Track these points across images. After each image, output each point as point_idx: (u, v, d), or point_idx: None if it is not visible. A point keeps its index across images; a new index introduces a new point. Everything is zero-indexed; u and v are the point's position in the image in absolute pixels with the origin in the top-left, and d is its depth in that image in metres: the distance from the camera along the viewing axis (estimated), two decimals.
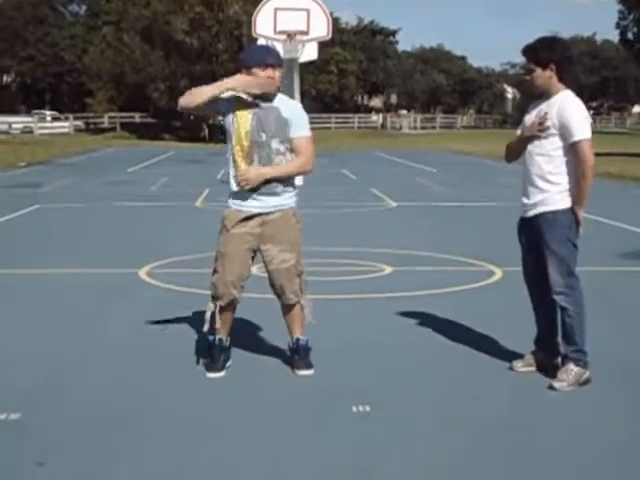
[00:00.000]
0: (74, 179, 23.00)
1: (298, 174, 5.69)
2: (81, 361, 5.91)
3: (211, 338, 5.65)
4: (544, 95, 5.44)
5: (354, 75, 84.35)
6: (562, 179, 5.34)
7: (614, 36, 46.94)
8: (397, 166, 31.03)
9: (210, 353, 5.66)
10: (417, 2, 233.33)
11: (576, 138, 5.24)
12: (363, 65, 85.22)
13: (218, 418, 4.84)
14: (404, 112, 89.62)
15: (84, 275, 9.11)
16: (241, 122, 5.37)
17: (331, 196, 18.39)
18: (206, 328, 5.61)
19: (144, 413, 4.89)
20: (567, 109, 5.28)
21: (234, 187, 5.45)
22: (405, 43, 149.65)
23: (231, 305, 5.59)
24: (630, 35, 41.09)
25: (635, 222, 13.62)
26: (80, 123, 63.38)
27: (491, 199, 17.93)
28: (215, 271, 5.53)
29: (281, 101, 5.46)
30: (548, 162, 5.36)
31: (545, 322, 5.66)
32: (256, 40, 24.86)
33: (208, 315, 5.59)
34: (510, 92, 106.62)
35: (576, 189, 5.32)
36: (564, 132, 5.27)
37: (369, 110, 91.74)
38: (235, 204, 5.47)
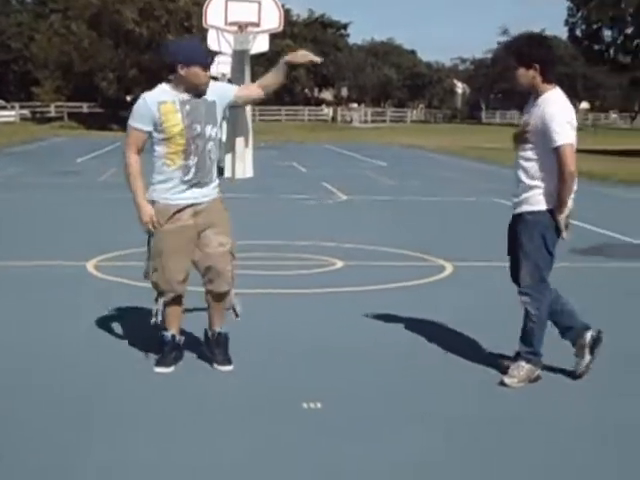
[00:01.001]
0: (21, 168, 22.61)
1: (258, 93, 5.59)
2: (26, 355, 5.78)
3: (163, 334, 5.58)
4: (532, 94, 5.33)
5: (305, 68, 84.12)
6: (544, 181, 5.23)
7: (563, 33, 47.47)
8: (347, 159, 31.04)
9: (161, 348, 5.58)
10: None
11: (557, 143, 5.11)
12: None
13: (168, 413, 4.76)
14: (355, 105, 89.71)
15: (29, 267, 8.92)
16: (171, 122, 5.28)
17: (281, 189, 18.31)
18: (153, 322, 5.55)
19: (93, 408, 4.79)
20: (548, 113, 5.15)
21: (156, 195, 5.38)
22: (356, 37, 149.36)
23: (176, 300, 5.53)
24: (578, 32, 41.51)
25: (589, 219, 13.73)
26: (26, 112, 62.43)
27: (441, 193, 18.00)
28: (155, 269, 5.46)
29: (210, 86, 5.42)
30: (532, 164, 5.26)
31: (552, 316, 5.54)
32: (206, 31, 24.74)
33: (154, 311, 5.55)
34: (460, 87, 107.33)
35: (556, 193, 5.22)
36: (545, 136, 5.15)
37: (320, 103, 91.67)
38: (163, 198, 5.37)
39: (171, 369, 5.50)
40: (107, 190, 17.19)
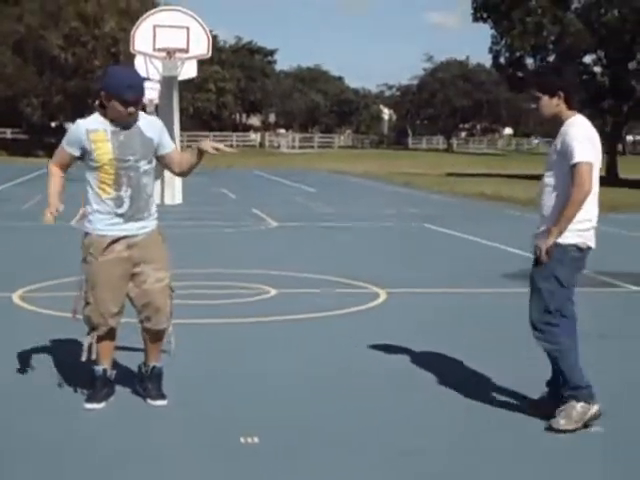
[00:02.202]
0: None
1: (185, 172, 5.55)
2: None
3: (94, 369, 5.41)
4: (557, 122, 5.18)
5: (232, 94, 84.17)
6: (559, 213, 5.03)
7: (487, 60, 48.38)
8: (277, 185, 31.02)
9: (92, 384, 5.42)
10: (295, 23, 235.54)
11: (575, 160, 4.94)
12: (241, 84, 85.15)
13: (101, 453, 4.61)
14: (282, 131, 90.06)
15: None
16: (101, 151, 5.17)
17: (212, 216, 18.18)
18: (84, 358, 5.38)
19: (20, 444, 4.61)
20: (569, 133, 5.03)
21: (92, 226, 5.29)
22: (283, 63, 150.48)
23: (109, 334, 5.39)
24: (502, 59, 42.33)
25: (512, 243, 13.90)
26: None
27: (370, 219, 18.08)
28: (87, 303, 5.30)
29: (142, 119, 5.29)
30: (556, 195, 5.05)
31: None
32: (134, 57, 24.52)
33: (86, 345, 5.38)
34: (386, 113, 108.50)
35: (562, 211, 4.97)
36: (566, 157, 5.00)
37: (247, 129, 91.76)
38: (97, 230, 5.25)
39: (102, 405, 5.33)
40: (33, 219, 16.85)
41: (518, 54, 41.58)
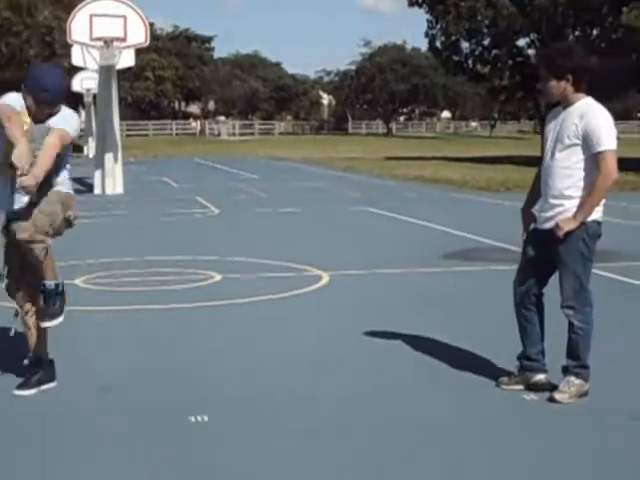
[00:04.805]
0: None
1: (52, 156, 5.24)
2: None
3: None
4: (562, 103, 5.22)
5: (171, 81, 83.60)
6: (580, 192, 5.09)
7: (423, 44, 48.92)
8: (218, 173, 31.04)
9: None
10: (232, 10, 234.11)
11: (601, 148, 5.00)
12: (179, 71, 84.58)
13: (52, 437, 4.75)
14: (222, 118, 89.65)
15: None
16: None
17: (154, 205, 18.20)
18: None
19: None
20: (592, 118, 5.05)
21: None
22: (221, 50, 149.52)
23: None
24: (438, 44, 42.69)
25: (450, 224, 14.23)
26: None
27: (311, 204, 18.26)
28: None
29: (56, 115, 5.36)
30: (568, 176, 5.12)
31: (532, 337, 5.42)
32: (70, 45, 24.33)
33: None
34: (326, 99, 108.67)
35: (586, 198, 5.06)
36: (588, 142, 5.04)
37: (187, 117, 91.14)
38: None
39: (33, 391, 5.42)
40: None
41: (454, 38, 41.99)
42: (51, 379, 5.53)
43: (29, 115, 5.28)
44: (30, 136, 5.19)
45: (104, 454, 4.49)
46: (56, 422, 4.96)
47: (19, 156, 4.96)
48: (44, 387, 5.47)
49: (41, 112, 5.27)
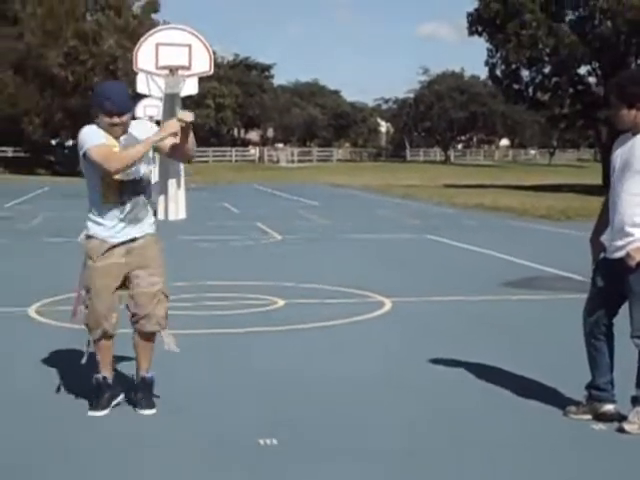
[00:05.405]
0: None
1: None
2: None
3: (95, 377, 5.59)
4: (631, 130, 5.23)
5: (231, 109, 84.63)
6: None
7: (483, 72, 48.87)
8: (278, 199, 31.27)
9: (95, 392, 5.59)
10: (292, 38, 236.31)
11: None
12: (239, 99, 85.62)
13: (117, 463, 4.85)
14: (281, 146, 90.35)
15: None
16: None
17: (216, 230, 18.41)
18: (84, 361, 5.61)
19: (26, 459, 4.86)
20: None
21: (100, 221, 5.46)
22: (280, 78, 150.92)
23: (106, 338, 5.54)
24: (498, 72, 42.68)
25: (511, 252, 14.17)
26: None
27: (373, 231, 18.32)
28: (86, 306, 5.53)
29: (132, 126, 5.53)
30: (638, 204, 5.11)
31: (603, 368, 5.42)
32: (132, 73, 24.83)
33: (85, 349, 5.62)
34: (384, 126, 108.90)
35: None
36: None
37: (246, 144, 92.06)
38: (98, 236, 5.48)
39: (106, 412, 5.50)
40: (41, 234, 17.11)
41: (514, 66, 41.94)
42: (119, 394, 5.65)
43: (107, 132, 5.42)
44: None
45: (171, 476, 4.58)
46: (125, 441, 5.07)
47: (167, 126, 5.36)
48: (114, 402, 5.59)
49: (109, 124, 5.37)
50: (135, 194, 5.47)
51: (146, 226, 5.56)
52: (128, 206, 5.45)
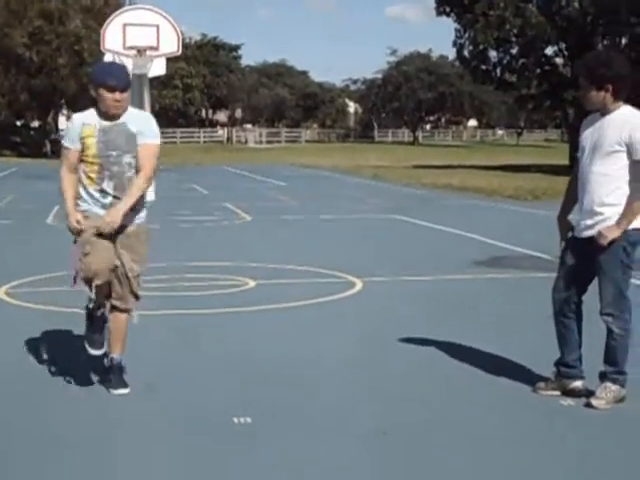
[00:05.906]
0: None
1: (147, 187, 5.64)
2: None
3: (88, 305, 5.62)
4: (600, 111, 5.26)
5: (199, 89, 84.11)
6: (620, 200, 5.12)
7: (451, 53, 49.00)
8: (247, 180, 31.22)
9: (88, 324, 5.65)
10: (260, 18, 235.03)
11: None
12: (207, 79, 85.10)
13: (96, 437, 4.87)
14: (249, 126, 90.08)
15: None
16: (88, 145, 5.45)
17: (185, 211, 18.37)
18: (90, 306, 5.60)
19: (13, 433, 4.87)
20: (637, 126, 5.09)
21: (83, 207, 5.51)
22: (248, 58, 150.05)
23: (102, 289, 5.57)
24: (466, 53, 42.74)
25: (480, 232, 14.28)
26: None
27: (342, 211, 18.37)
28: (81, 258, 5.47)
29: (130, 115, 5.56)
30: (608, 182, 5.15)
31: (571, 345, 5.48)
32: (99, 54, 24.57)
33: (88, 300, 5.60)
34: (352, 107, 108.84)
35: (629, 205, 5.10)
36: (631, 150, 5.09)
37: (214, 124, 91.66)
38: (86, 212, 5.51)
39: (102, 351, 5.69)
40: (6, 217, 16.96)
41: (481, 47, 42.00)
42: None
43: (100, 114, 5.47)
44: (104, 137, 5.41)
45: (146, 454, 4.61)
46: (103, 422, 5.09)
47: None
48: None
49: (112, 100, 5.39)
50: (117, 183, 5.47)
51: (137, 213, 5.56)
52: (111, 192, 5.48)
